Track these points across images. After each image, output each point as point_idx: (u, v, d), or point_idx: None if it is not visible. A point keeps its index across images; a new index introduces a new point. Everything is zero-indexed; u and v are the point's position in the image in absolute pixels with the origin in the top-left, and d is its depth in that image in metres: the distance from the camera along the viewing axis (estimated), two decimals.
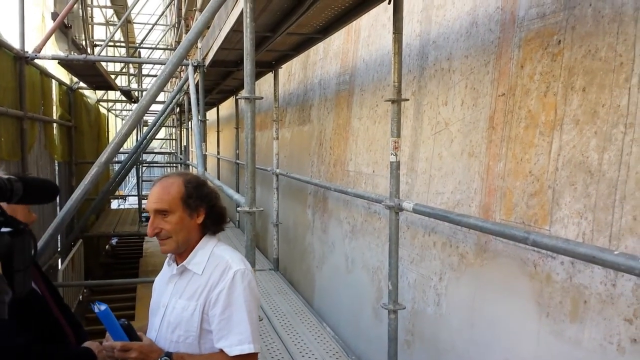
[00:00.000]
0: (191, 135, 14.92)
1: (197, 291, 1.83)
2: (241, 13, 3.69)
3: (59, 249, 7.65)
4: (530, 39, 2.54)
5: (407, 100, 3.54)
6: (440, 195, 3.27)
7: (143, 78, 13.98)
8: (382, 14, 4.12)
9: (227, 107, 12.27)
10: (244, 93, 2.95)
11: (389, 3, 3.16)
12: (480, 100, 2.93)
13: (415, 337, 3.51)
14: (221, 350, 1.78)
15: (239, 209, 3.11)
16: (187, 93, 8.84)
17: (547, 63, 2.41)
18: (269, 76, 6.47)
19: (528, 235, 2.03)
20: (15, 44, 5.68)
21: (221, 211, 1.95)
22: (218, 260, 1.86)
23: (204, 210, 1.88)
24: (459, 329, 3.02)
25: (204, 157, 5.58)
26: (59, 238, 7.23)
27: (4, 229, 1.08)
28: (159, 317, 1.90)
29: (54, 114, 7.92)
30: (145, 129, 11.49)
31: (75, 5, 7.88)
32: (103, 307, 1.76)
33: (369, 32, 4.46)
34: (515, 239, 2.17)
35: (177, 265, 1.91)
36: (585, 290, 2.12)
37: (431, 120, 3.42)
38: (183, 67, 6.75)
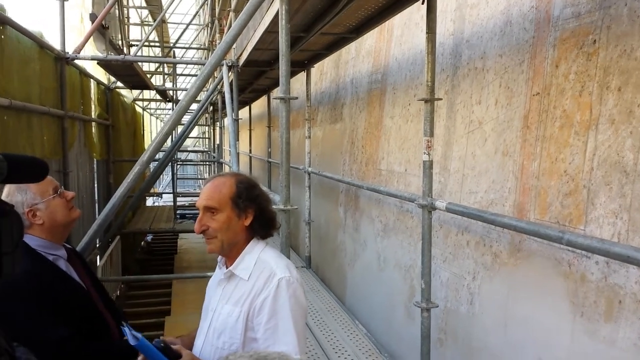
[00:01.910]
0: (224, 133, 15.11)
1: (242, 297, 1.80)
2: (275, 14, 3.75)
3: (97, 245, 7.87)
4: (565, 38, 2.54)
5: (440, 99, 3.55)
6: (473, 194, 3.28)
7: (177, 77, 14.22)
8: (415, 12, 4.13)
9: (259, 105, 12.39)
10: (278, 93, 3.01)
11: (422, 3, 3.17)
12: (514, 99, 2.93)
13: (448, 335, 3.53)
14: None
15: (273, 206, 3.18)
16: (220, 92, 8.97)
17: (582, 62, 2.41)
18: (301, 75, 6.53)
19: (562, 235, 2.04)
20: (56, 45, 5.86)
21: (271, 215, 1.92)
22: (264, 265, 1.83)
23: (253, 212, 1.85)
24: (492, 328, 3.03)
25: (238, 156, 5.68)
26: None
27: None
28: (207, 321, 1.89)
29: (93, 113, 8.13)
30: (180, 127, 11.70)
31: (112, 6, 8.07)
32: (139, 336, 1.70)
33: (402, 30, 4.47)
34: (549, 238, 2.18)
35: (227, 268, 1.89)
36: (620, 290, 2.12)
37: (464, 119, 3.43)
38: (218, 66, 6.85)
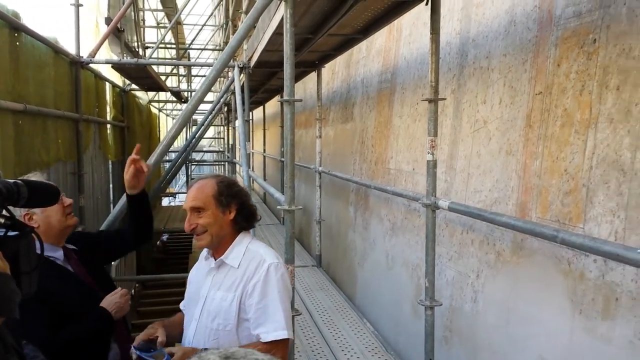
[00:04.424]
0: (238, 134, 15.21)
1: (234, 283, 2.00)
2: (283, 17, 3.80)
3: None
4: (566, 37, 2.55)
5: (444, 99, 3.56)
6: (478, 193, 3.29)
7: (192, 78, 14.35)
8: (423, 12, 4.13)
9: (272, 105, 12.48)
10: (284, 96, 3.05)
11: (426, 4, 3.20)
12: (517, 98, 2.94)
13: (453, 333, 3.55)
14: (257, 337, 1.93)
15: (279, 207, 3.23)
16: (234, 93, 9.06)
17: (583, 62, 2.42)
18: (314, 74, 6.57)
19: (557, 234, 2.06)
20: (71, 49, 5.96)
21: (252, 209, 2.14)
22: (253, 254, 2.04)
23: (236, 206, 2.06)
24: (495, 325, 3.04)
25: (248, 156, 5.73)
26: None
27: (10, 233, 1.12)
28: (198, 307, 2.06)
29: (108, 116, 8.24)
30: (194, 128, 11.80)
31: (128, 9, 8.18)
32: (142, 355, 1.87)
33: (411, 30, 4.50)
34: (544, 237, 2.20)
35: (215, 259, 2.08)
36: (617, 287, 2.13)
37: (470, 118, 3.45)
38: (230, 67, 6.93)
